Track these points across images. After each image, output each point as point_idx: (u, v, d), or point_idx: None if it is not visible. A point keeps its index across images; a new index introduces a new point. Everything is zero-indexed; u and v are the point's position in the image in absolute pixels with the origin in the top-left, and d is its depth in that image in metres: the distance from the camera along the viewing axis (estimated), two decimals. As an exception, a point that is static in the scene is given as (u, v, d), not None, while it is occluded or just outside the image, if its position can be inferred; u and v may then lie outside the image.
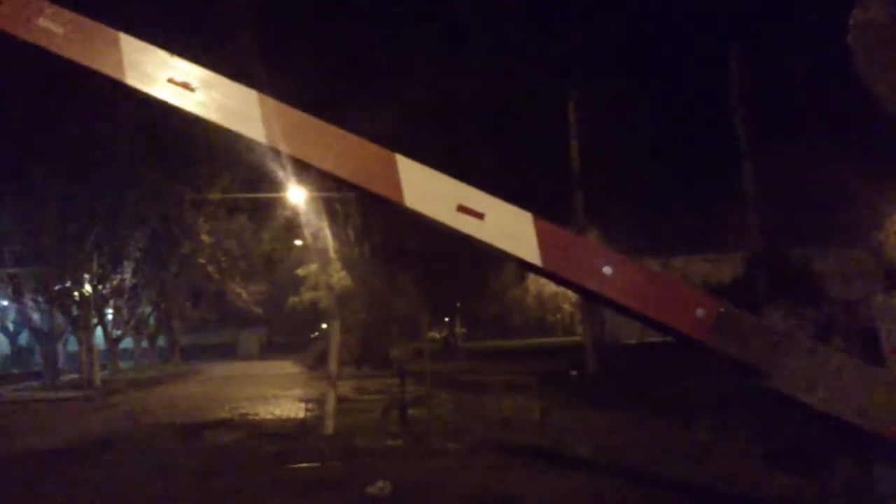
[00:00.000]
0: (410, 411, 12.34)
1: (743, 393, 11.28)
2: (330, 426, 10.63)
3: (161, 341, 46.34)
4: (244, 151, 22.05)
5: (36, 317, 28.78)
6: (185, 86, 3.08)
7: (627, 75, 22.39)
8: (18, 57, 18.67)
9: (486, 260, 39.42)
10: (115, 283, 31.28)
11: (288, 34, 21.37)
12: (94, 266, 28.28)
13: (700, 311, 3.02)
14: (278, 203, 26.97)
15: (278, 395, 18.67)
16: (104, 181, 24.35)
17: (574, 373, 18.42)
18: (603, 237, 38.82)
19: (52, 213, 24.54)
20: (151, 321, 41.58)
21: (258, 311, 36.32)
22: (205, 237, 27.74)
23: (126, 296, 33.17)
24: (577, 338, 31.87)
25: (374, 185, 3.15)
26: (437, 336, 44.39)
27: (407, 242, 29.22)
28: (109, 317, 34.06)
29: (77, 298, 28.56)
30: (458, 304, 49.77)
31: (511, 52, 21.09)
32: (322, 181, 24.83)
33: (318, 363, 25.98)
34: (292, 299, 36.90)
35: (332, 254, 29.80)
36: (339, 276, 31.19)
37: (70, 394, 22.09)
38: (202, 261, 30.21)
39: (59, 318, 28.90)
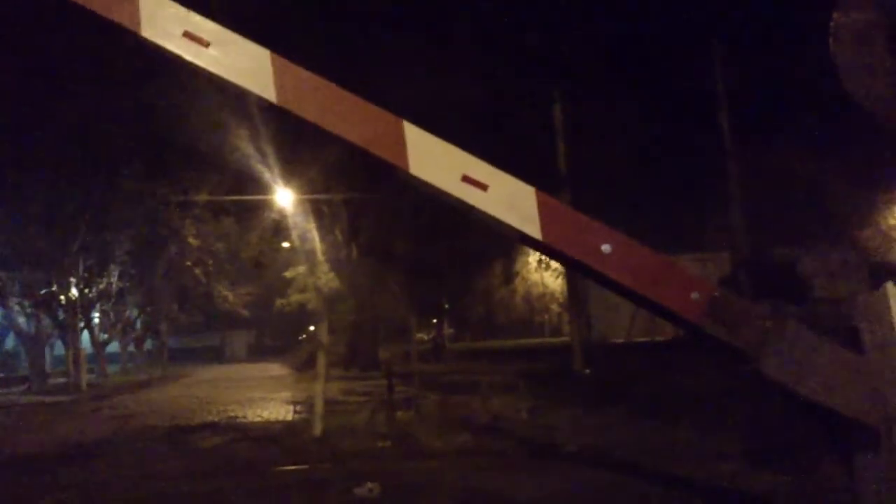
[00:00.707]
0: (398, 413, 12.35)
1: (727, 392, 11.36)
2: (318, 428, 10.61)
3: (148, 344, 46.22)
4: (230, 152, 22.08)
5: (22, 321, 28.66)
6: (200, 41, 3.08)
7: (614, 75, 22.46)
8: (2, 57, 18.69)
9: (474, 261, 39.54)
10: (101, 286, 31.17)
11: (276, 34, 21.32)
12: (81, 269, 28.16)
13: (695, 294, 3.06)
14: (265, 205, 26.92)
15: (266, 397, 18.63)
16: (90, 184, 24.26)
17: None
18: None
19: (38, 217, 24.42)
20: (138, 324, 41.45)
21: (245, 313, 36.35)
22: (192, 240, 27.73)
23: (113, 299, 33.07)
24: (564, 338, 31.92)
25: (380, 150, 3.18)
26: (425, 337, 44.40)
27: (394, 244, 29.23)
28: (96, 320, 33.94)
29: (63, 302, 28.43)
30: (446, 306, 49.84)
31: (497, 52, 21.13)
32: (310, 186, 24.87)
33: (305, 365, 25.97)
34: (280, 301, 36.95)
35: (319, 256, 29.77)
36: (327, 278, 31.19)
37: (57, 398, 22.00)
38: (189, 263, 30.19)
39: (46, 322, 28.79)
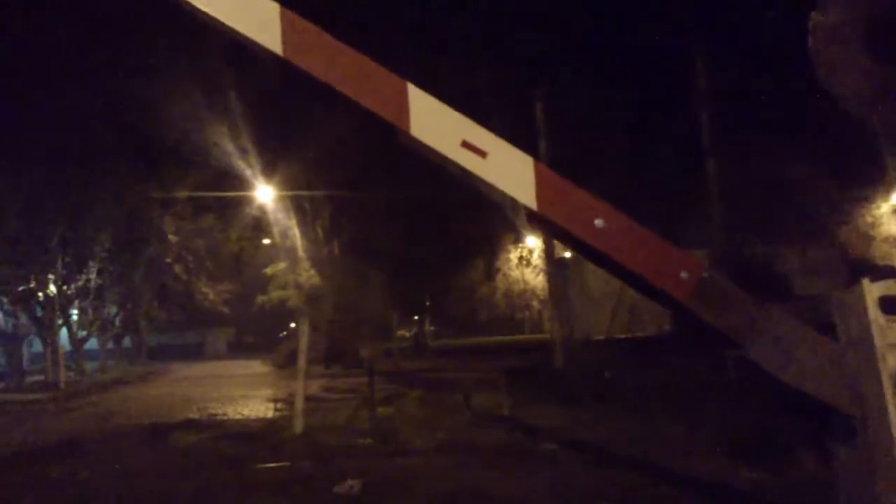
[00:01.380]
0: (380, 410, 12.34)
1: (707, 388, 11.44)
2: (299, 425, 10.60)
3: (127, 342, 45.88)
4: (211, 149, 21.98)
5: (-1, 318, 28.40)
6: None
7: (593, 74, 22.52)
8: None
9: (455, 258, 39.54)
10: (80, 283, 30.91)
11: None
12: (59, 266, 27.93)
13: (684, 274, 3.08)
14: (246, 202, 26.83)
15: (247, 395, 18.57)
16: (69, 181, 24.08)
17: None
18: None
19: (16, 213, 24.20)
20: (117, 322, 41.13)
21: (226, 310, 36.17)
22: (171, 237, 27.58)
23: (91, 296, 32.78)
24: (545, 335, 32.02)
25: (383, 110, 3.19)
26: (407, 334, 44.41)
27: (376, 241, 29.20)
28: (74, 317, 33.65)
29: (41, 299, 28.20)
30: (428, 303, 49.83)
31: (477, 51, 21.12)
32: (291, 183, 24.81)
33: (286, 363, 25.91)
34: (260, 298, 36.71)
35: (300, 253, 29.70)
36: (308, 275, 31.09)
37: (35, 395, 21.80)
38: (169, 260, 30.03)
39: (24, 319, 28.54)
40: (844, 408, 2.87)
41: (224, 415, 14.28)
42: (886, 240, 31.86)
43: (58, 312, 29.29)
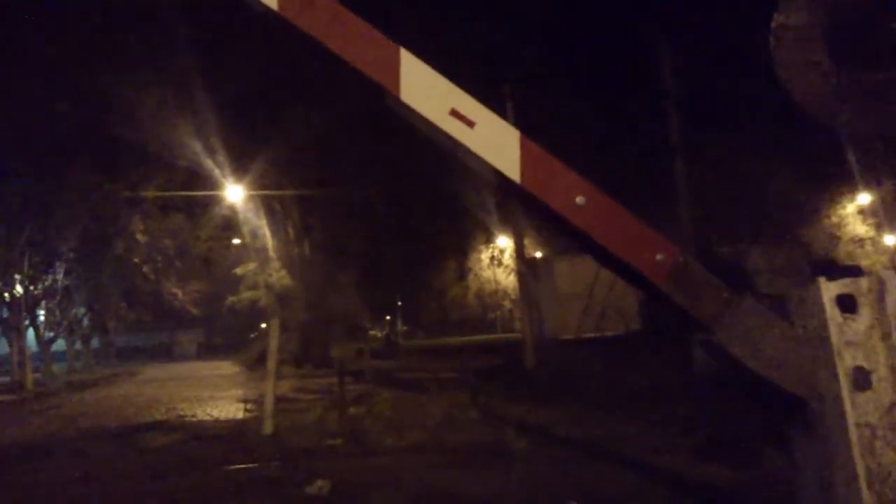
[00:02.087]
0: (351, 410, 12.34)
1: (674, 387, 11.56)
2: (269, 426, 10.56)
3: (95, 343, 45.43)
4: (180, 147, 21.81)
5: (-36, 319, 28.01)
6: None
7: (562, 71, 22.65)
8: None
9: (427, 258, 39.61)
10: (47, 283, 30.55)
11: (227, 30, 21.12)
12: (26, 266, 27.58)
13: (660, 256, 3.12)
14: (216, 201, 26.64)
15: (216, 395, 18.45)
16: (35, 180, 23.79)
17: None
18: (540, 234, 39.24)
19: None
20: (85, 322, 40.71)
21: (195, 311, 35.92)
22: (140, 236, 27.34)
23: (58, 297, 32.42)
24: (516, 334, 32.14)
25: (374, 72, 3.21)
26: (379, 334, 44.35)
27: (347, 241, 29.15)
28: (41, 318, 33.26)
29: (7, 300, 27.83)
30: (399, 303, 49.86)
31: (446, 47, 21.14)
32: (261, 183, 24.68)
33: (257, 363, 25.76)
34: (230, 299, 36.56)
35: (271, 253, 29.55)
36: (279, 276, 30.97)
37: (1, 397, 21.54)
38: (137, 260, 29.76)
39: (-11, 320, 28.18)
40: (812, 398, 2.92)
41: (193, 416, 14.18)
42: (852, 240, 32.39)
43: (24, 313, 28.92)
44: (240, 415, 13.53)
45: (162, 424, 12.96)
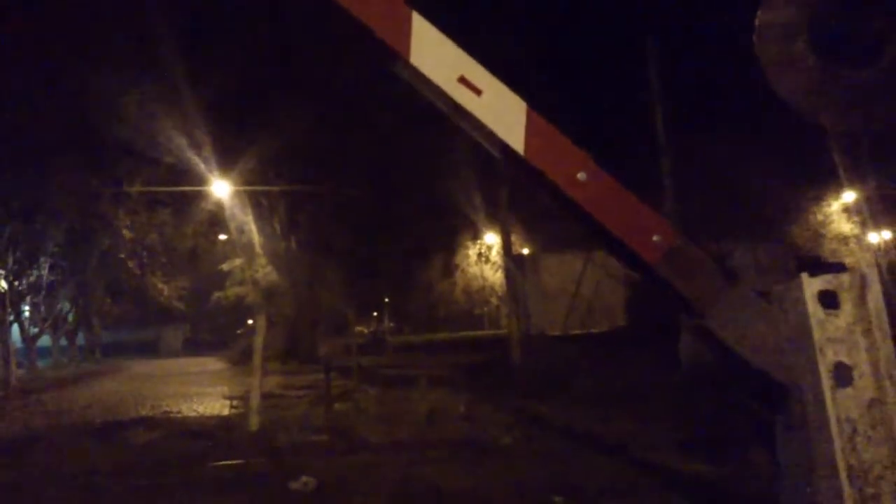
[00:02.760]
0: (336, 406, 12.33)
1: (659, 384, 11.60)
2: (254, 422, 10.54)
3: (80, 339, 45.18)
4: (166, 142, 21.71)
5: (-53, 314, 27.76)
6: None
7: (549, 71, 22.68)
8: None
9: (414, 255, 39.56)
10: (31, 278, 30.37)
11: (216, 33, 21.05)
12: (10, 261, 27.37)
13: (657, 237, 3.13)
14: (202, 197, 26.51)
15: (202, 392, 18.39)
16: (20, 174, 23.61)
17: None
18: (527, 231, 39.27)
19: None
20: (70, 318, 40.46)
21: (181, 306, 35.68)
22: (125, 232, 27.12)
23: (43, 292, 32.23)
24: (503, 330, 32.17)
25: (386, 35, 3.20)
26: (365, 331, 44.32)
27: (334, 237, 29.09)
28: (26, 314, 33.06)
29: (-9, 295, 27.63)
30: (386, 299, 49.77)
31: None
32: (248, 178, 24.59)
33: (242, 359, 25.71)
34: (217, 295, 36.39)
35: (257, 249, 29.46)
36: (265, 272, 30.88)
37: (-16, 394, 21.39)
38: (122, 256, 29.56)
39: (-28, 316, 27.95)
40: (795, 386, 2.93)
41: (179, 412, 14.13)
42: (836, 237, 32.57)
43: (9, 308, 28.70)
44: (225, 411, 13.48)
45: (147, 420, 12.91)
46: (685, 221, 19.62)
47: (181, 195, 26.30)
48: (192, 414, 13.79)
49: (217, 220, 28.25)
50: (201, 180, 24.00)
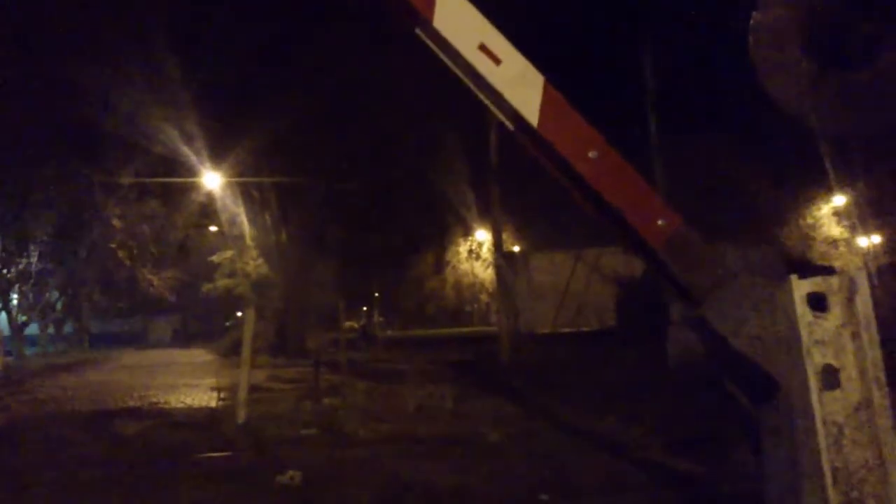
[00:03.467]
0: (325, 400, 12.31)
1: (648, 382, 11.63)
2: (242, 415, 10.51)
3: (69, 328, 45.05)
4: (157, 133, 21.64)
5: (-65, 301, 27.68)
6: None
7: (542, 69, 22.66)
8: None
9: (405, 250, 39.56)
10: (20, 266, 30.25)
11: (210, 23, 20.96)
12: (-1, 249, 27.31)
13: (662, 222, 3.14)
14: (193, 188, 26.44)
15: (190, 383, 18.35)
16: (11, 164, 23.51)
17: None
18: (518, 229, 39.32)
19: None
20: (59, 307, 40.34)
21: (171, 298, 35.65)
22: (115, 222, 27.08)
23: (32, 280, 32.12)
24: (492, 327, 32.20)
25: None
26: (355, 325, 44.29)
27: (325, 231, 29.07)
28: (14, 302, 32.94)
29: (-21, 283, 27.54)
30: (377, 294, 49.81)
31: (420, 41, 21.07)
32: (240, 170, 24.54)
33: (231, 351, 25.65)
34: (206, 286, 36.30)
35: (248, 241, 29.40)
36: (256, 264, 30.82)
37: (-30, 381, 21.32)
38: (113, 246, 29.49)
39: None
40: (789, 383, 2.94)
41: (166, 403, 14.10)
42: (826, 241, 32.70)
43: (-3, 296, 28.64)
44: (213, 403, 13.45)
45: (134, 411, 12.88)
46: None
47: (173, 186, 26.25)
48: (180, 405, 13.76)
49: (208, 211, 28.21)
50: (193, 171, 23.95)
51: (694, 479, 6.49)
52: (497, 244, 22.80)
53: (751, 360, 2.97)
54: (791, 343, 2.86)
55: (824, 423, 2.79)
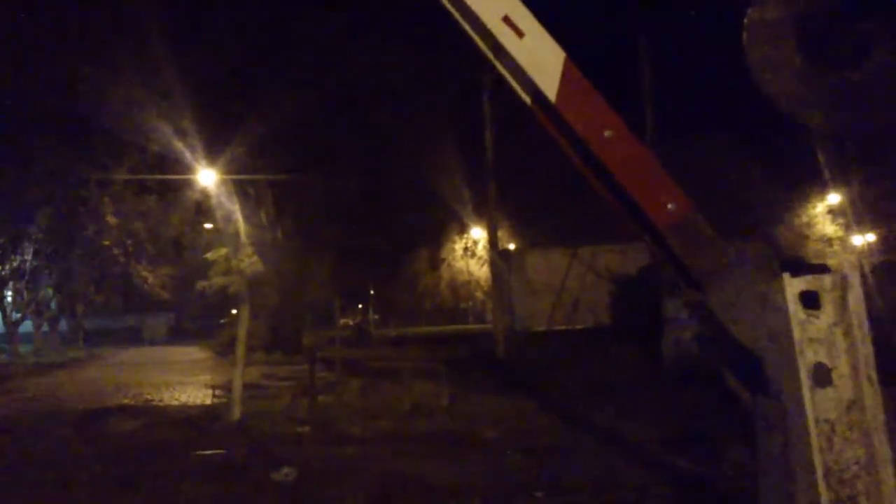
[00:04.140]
0: (320, 398, 12.30)
1: (644, 380, 11.65)
2: (237, 412, 10.51)
3: (63, 325, 44.92)
4: (152, 130, 21.59)
5: (-71, 298, 27.60)
6: None
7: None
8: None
9: (401, 248, 39.54)
10: (14, 263, 30.15)
11: (204, 18, 20.93)
12: (-8, 246, 27.22)
13: (671, 205, 3.15)
14: (188, 185, 26.35)
15: (184, 381, 18.34)
16: (4, 159, 23.44)
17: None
18: (513, 227, 39.31)
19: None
20: (53, 304, 40.20)
21: (166, 295, 35.51)
22: (110, 218, 26.97)
23: (26, 277, 32.02)
24: (488, 325, 32.21)
25: None
26: (350, 323, 44.25)
27: (321, 228, 29.03)
28: (8, 299, 32.85)
29: (-27, 280, 27.46)
30: (372, 291, 49.75)
31: (427, 41, 21.09)
32: (235, 167, 24.48)
33: (226, 349, 25.65)
34: (201, 284, 36.18)
35: (243, 238, 29.29)
36: (251, 261, 30.72)
37: (-35, 379, 21.25)
38: (107, 243, 29.38)
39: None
40: (781, 376, 2.94)
41: (160, 401, 14.09)
42: (821, 239, 32.74)
43: (-9, 293, 28.56)
44: (208, 400, 13.45)
45: (129, 409, 12.87)
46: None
47: (168, 183, 26.16)
48: (175, 403, 13.76)
49: (203, 208, 28.11)
50: (188, 168, 23.87)
51: (688, 476, 6.51)
52: (492, 242, 22.80)
53: (749, 349, 2.98)
54: (783, 340, 2.87)
55: (816, 420, 2.79)
